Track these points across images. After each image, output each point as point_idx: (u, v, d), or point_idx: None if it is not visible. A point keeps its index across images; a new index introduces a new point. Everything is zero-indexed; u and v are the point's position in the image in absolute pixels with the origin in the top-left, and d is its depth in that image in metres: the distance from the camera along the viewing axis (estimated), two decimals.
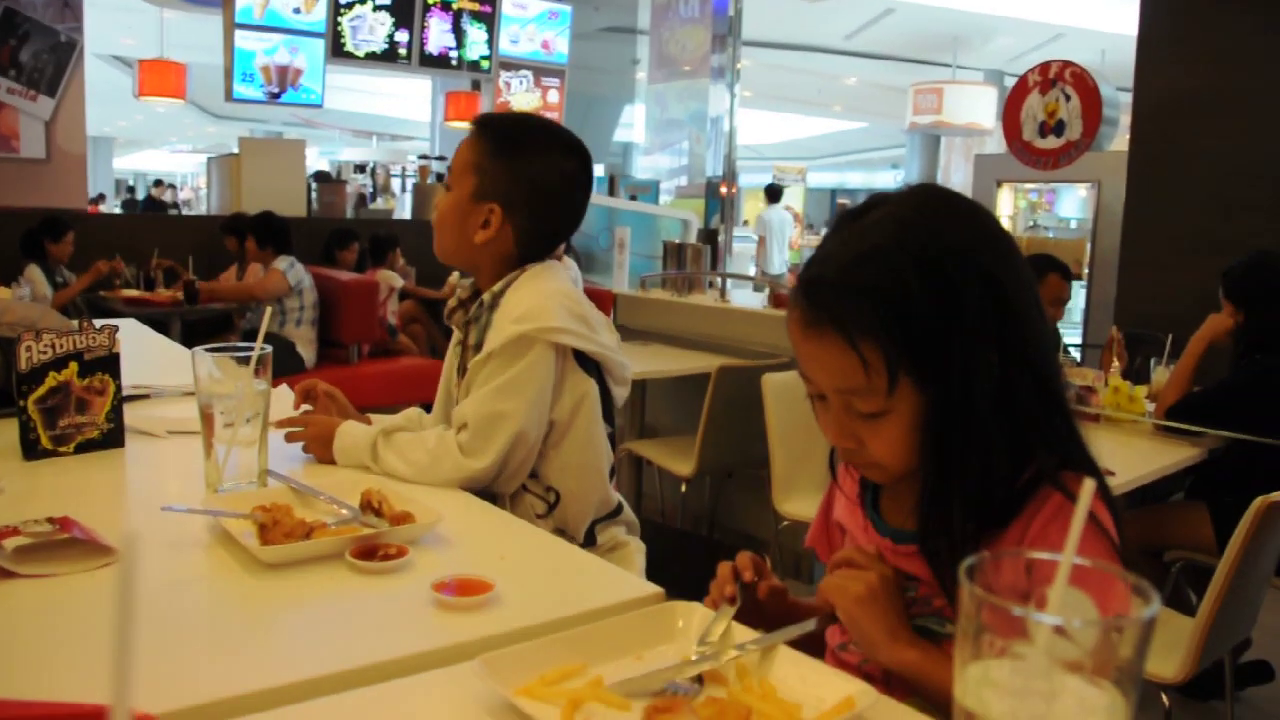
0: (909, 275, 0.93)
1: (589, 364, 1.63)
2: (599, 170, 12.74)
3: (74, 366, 1.52)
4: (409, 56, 8.13)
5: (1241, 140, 4.62)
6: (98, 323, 1.56)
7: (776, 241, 11.53)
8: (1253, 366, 2.81)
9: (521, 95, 9.06)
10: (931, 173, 16.36)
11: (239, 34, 7.43)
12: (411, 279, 6.78)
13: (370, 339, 5.79)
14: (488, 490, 1.57)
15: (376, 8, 7.88)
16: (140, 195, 21.96)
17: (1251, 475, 2.59)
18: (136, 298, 5.65)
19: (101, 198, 16.50)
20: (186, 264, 5.98)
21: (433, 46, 8.22)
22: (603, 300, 4.59)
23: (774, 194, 11.82)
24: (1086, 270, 6.93)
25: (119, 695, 0.42)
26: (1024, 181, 7.59)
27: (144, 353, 2.48)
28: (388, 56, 8.05)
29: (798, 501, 3.03)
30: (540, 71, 9.14)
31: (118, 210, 15.27)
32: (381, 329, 5.94)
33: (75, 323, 1.59)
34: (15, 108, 6.81)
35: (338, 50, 7.81)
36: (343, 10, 7.74)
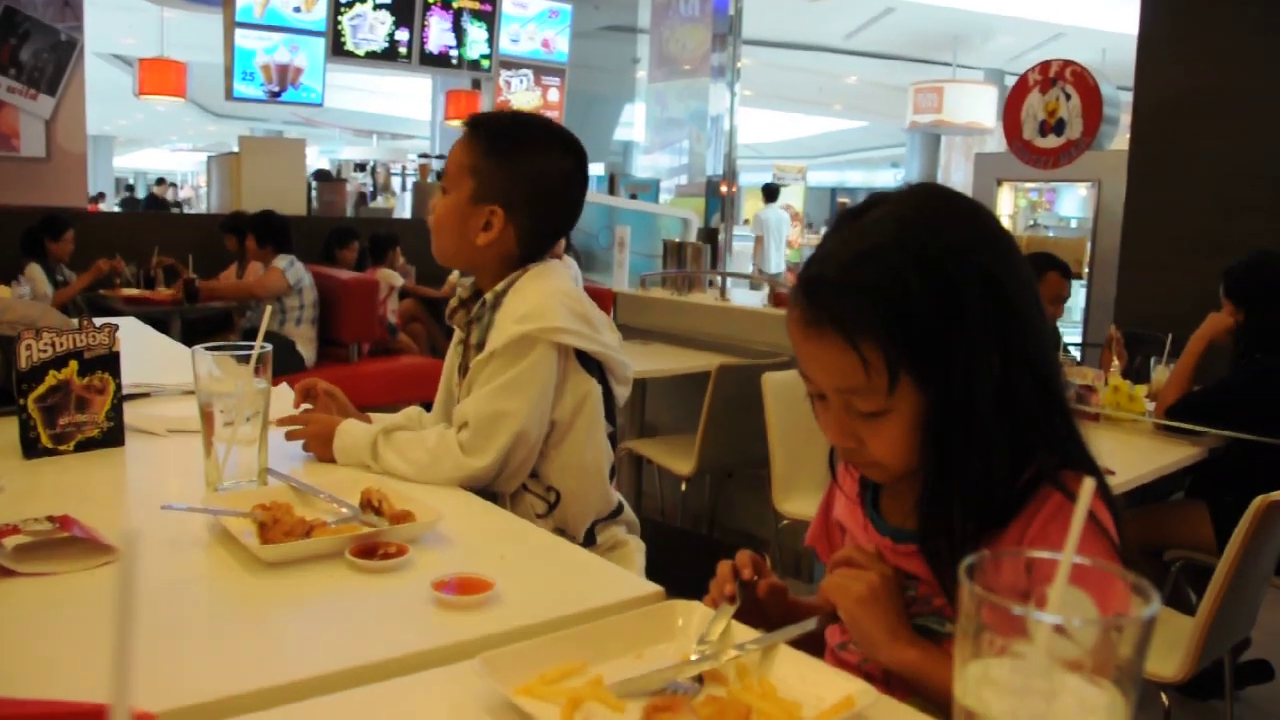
0: (909, 274, 0.93)
1: (591, 364, 1.63)
2: (599, 169, 12.76)
3: (74, 365, 1.52)
4: (409, 55, 8.13)
5: (1241, 140, 4.62)
6: (98, 321, 1.56)
7: (774, 241, 11.54)
8: (1253, 366, 2.82)
9: (522, 94, 9.06)
10: (932, 172, 16.36)
11: (239, 33, 7.43)
12: (411, 278, 6.78)
13: (370, 338, 5.79)
14: (488, 490, 1.57)
15: (377, 6, 7.88)
16: (140, 194, 21.97)
17: (1251, 474, 2.59)
18: (137, 296, 5.65)
19: (101, 196, 16.50)
20: (186, 263, 5.98)
21: (433, 45, 8.22)
22: (603, 299, 4.59)
23: (771, 193, 11.83)
24: (1086, 269, 6.93)
25: (119, 694, 0.42)
26: (1024, 180, 7.59)
27: (144, 351, 2.48)
28: (388, 55, 8.05)
29: (798, 500, 3.03)
30: (540, 70, 9.14)
31: (117, 209, 15.26)
32: (381, 328, 5.94)
33: (75, 321, 1.59)
34: (15, 106, 6.81)
35: (338, 49, 7.81)
36: (343, 9, 7.74)
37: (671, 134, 10.90)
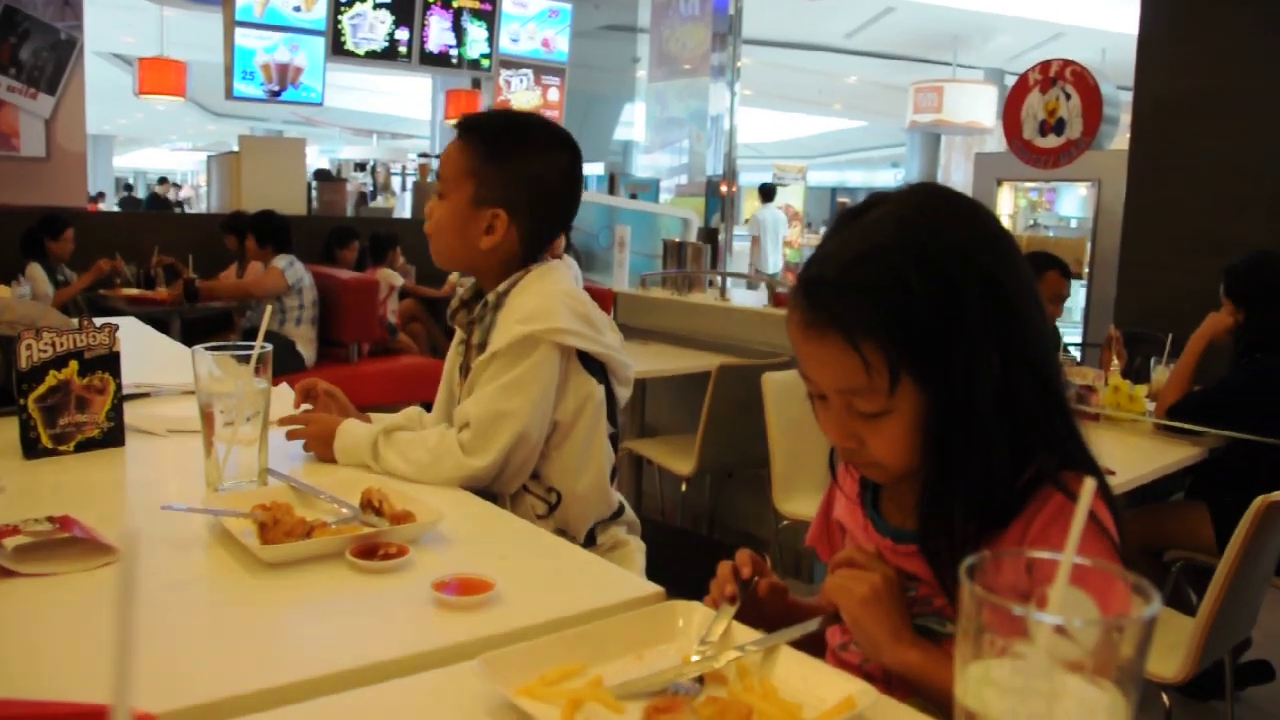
0: (909, 274, 0.93)
1: (593, 365, 1.63)
2: (599, 169, 12.76)
3: (74, 365, 1.52)
4: (409, 55, 8.13)
5: (1241, 140, 4.62)
6: (98, 321, 1.56)
7: (771, 240, 11.56)
8: (1253, 366, 2.81)
9: (522, 93, 9.06)
10: (932, 171, 16.36)
11: (239, 32, 7.43)
12: (412, 278, 6.78)
13: (370, 338, 5.79)
14: (488, 490, 1.57)
15: (377, 6, 7.87)
16: (140, 194, 21.98)
17: (1252, 475, 2.59)
18: (137, 296, 5.65)
19: (101, 196, 16.50)
20: (187, 262, 5.98)
21: (433, 45, 8.22)
22: (603, 299, 4.59)
23: (768, 193, 11.85)
24: (1087, 269, 6.93)
25: (119, 694, 0.42)
26: (1024, 180, 7.59)
27: (144, 351, 2.48)
28: (388, 55, 8.05)
29: (798, 501, 3.03)
30: (540, 70, 9.14)
31: (116, 209, 15.26)
32: (381, 328, 5.94)
33: (75, 321, 1.59)
34: (15, 106, 6.81)
35: (338, 48, 7.81)
36: (343, 8, 7.74)
37: (671, 134, 10.90)
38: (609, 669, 0.91)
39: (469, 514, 1.42)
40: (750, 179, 16.36)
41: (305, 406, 1.76)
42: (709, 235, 6.86)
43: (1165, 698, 2.21)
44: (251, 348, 1.39)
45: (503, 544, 1.31)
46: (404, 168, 10.79)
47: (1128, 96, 5.26)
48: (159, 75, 10.17)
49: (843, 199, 21.66)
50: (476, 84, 9.20)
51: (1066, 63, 5.64)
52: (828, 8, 11.59)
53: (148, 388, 1.97)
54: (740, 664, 0.92)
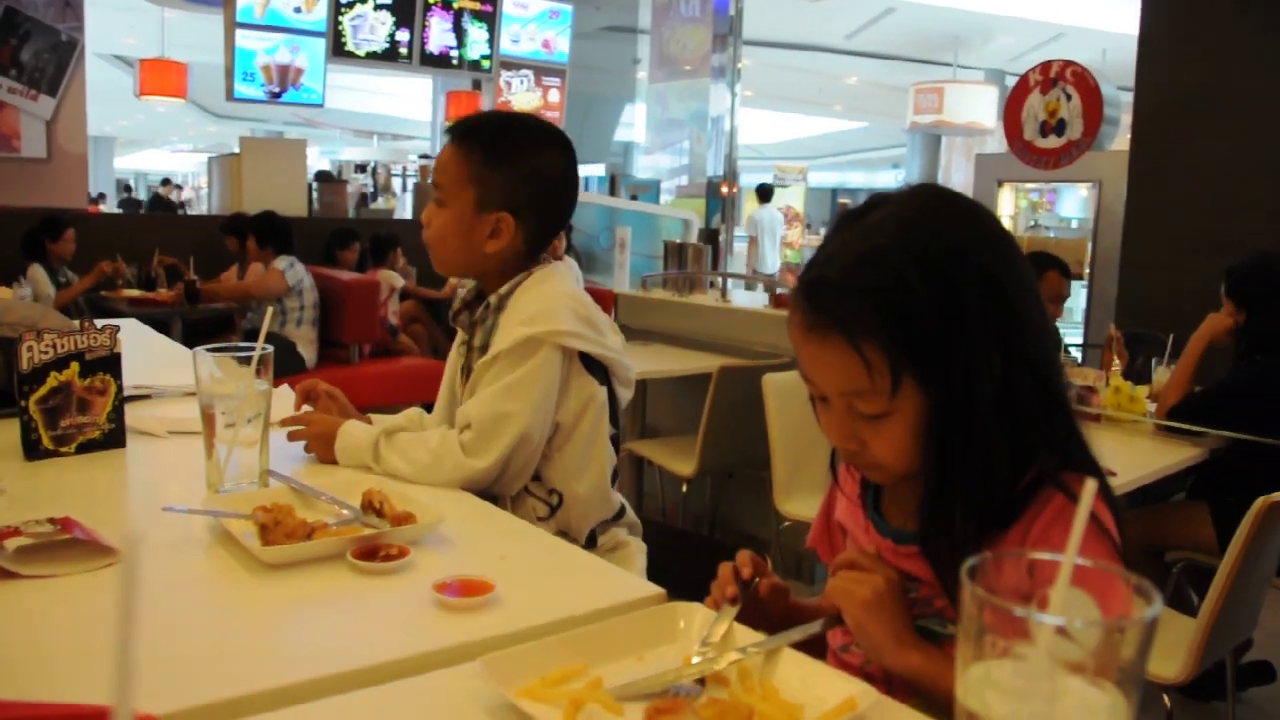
0: (910, 275, 0.93)
1: (595, 367, 1.63)
2: (600, 170, 12.76)
3: (75, 367, 1.52)
4: (410, 56, 8.14)
5: (1241, 140, 4.62)
6: (99, 323, 1.56)
7: (768, 241, 11.59)
8: (1254, 367, 2.81)
9: (522, 95, 9.06)
10: (932, 172, 16.35)
11: (240, 33, 7.43)
12: (412, 279, 6.78)
13: (371, 339, 5.79)
14: (489, 492, 1.56)
15: (377, 7, 7.88)
16: (140, 195, 21.99)
17: (1253, 475, 2.59)
18: (138, 297, 5.66)
19: (102, 197, 16.51)
20: (187, 264, 5.98)
21: (433, 46, 8.23)
22: (604, 300, 4.59)
23: (765, 194, 11.86)
24: (1087, 270, 6.93)
25: (120, 696, 0.42)
26: (1025, 181, 7.58)
27: (145, 353, 2.48)
28: (388, 56, 8.05)
29: (799, 502, 3.03)
30: (541, 71, 9.14)
31: (116, 210, 15.27)
32: (382, 329, 5.94)
33: (76, 323, 1.59)
34: (16, 107, 6.81)
35: (338, 49, 7.81)
36: (343, 9, 7.74)
37: (672, 135, 10.90)
38: (610, 670, 0.91)
39: (470, 515, 1.42)
40: (751, 180, 16.37)
41: (306, 408, 1.76)
42: (710, 236, 6.86)
43: (1166, 698, 2.21)
44: (252, 349, 1.39)
45: (503, 545, 1.31)
46: (404, 169, 10.80)
47: (1128, 97, 5.27)
48: (160, 76, 10.20)
49: (843, 200, 21.66)
50: (477, 85, 9.20)
51: (1067, 63, 5.64)
52: (828, 9, 11.59)
53: (149, 389, 1.97)
54: (741, 665, 0.92)
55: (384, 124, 20.21)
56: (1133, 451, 2.69)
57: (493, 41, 8.54)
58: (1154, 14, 5.04)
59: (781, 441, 3.03)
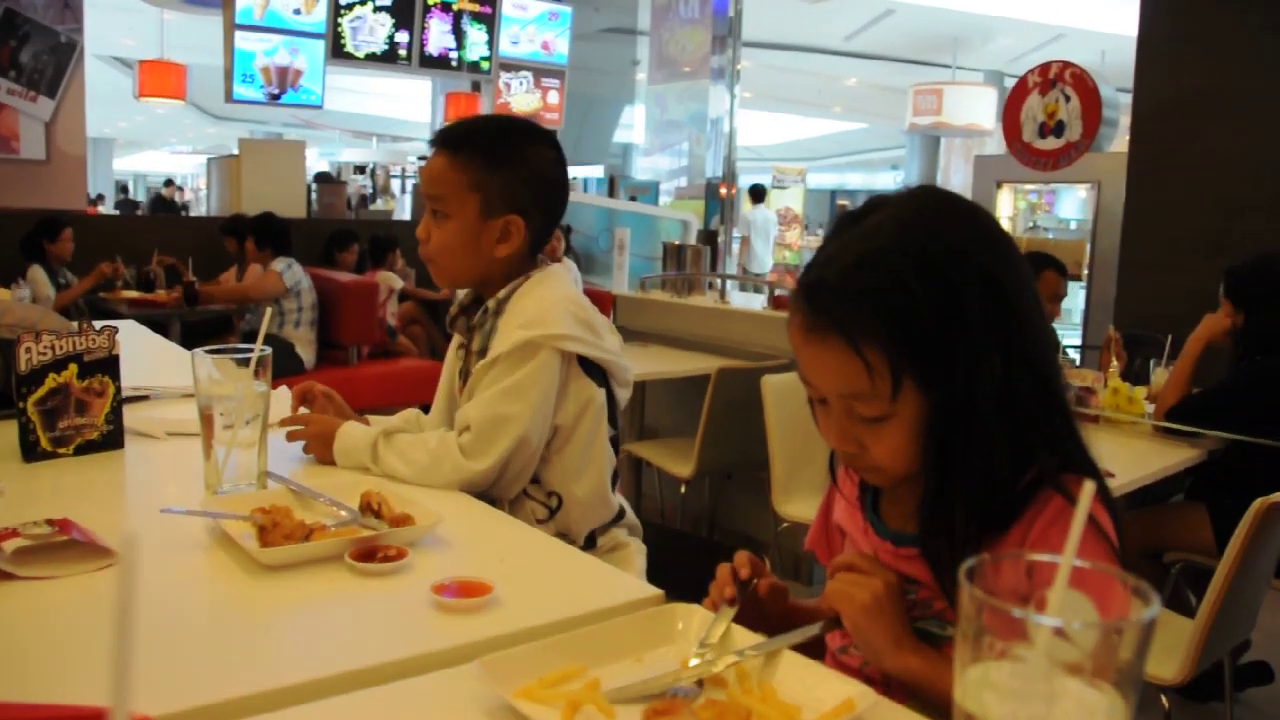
0: (910, 277, 0.93)
1: (593, 369, 1.63)
2: (599, 171, 12.77)
3: (74, 368, 1.52)
4: (409, 57, 8.13)
5: (1241, 141, 4.62)
6: (97, 324, 1.56)
7: (760, 241, 11.60)
8: (1253, 367, 2.81)
9: (521, 96, 9.06)
10: (931, 174, 16.36)
11: (239, 35, 7.43)
12: (411, 280, 6.78)
13: (370, 340, 5.79)
14: (488, 495, 1.56)
15: (377, 9, 7.88)
16: (136, 196, 21.99)
17: (1251, 476, 2.59)
18: (137, 299, 5.65)
19: (101, 199, 16.51)
20: (186, 265, 5.98)
21: (433, 47, 8.23)
22: (602, 301, 4.59)
23: (758, 194, 11.88)
24: (1086, 271, 6.93)
25: (118, 697, 0.42)
26: (1024, 182, 7.59)
27: (144, 354, 2.48)
28: (388, 57, 8.05)
29: (797, 503, 3.03)
30: (540, 72, 9.14)
31: (114, 212, 15.27)
32: (381, 330, 5.94)
33: (75, 324, 1.59)
34: (15, 109, 6.81)
35: (338, 51, 7.81)
36: (343, 11, 7.74)
37: (671, 136, 10.90)
38: (608, 672, 0.91)
39: (468, 517, 1.42)
40: (750, 181, 16.40)
41: (302, 409, 1.76)
42: (708, 238, 6.87)
43: (1164, 699, 2.21)
44: (251, 350, 1.39)
45: (502, 546, 1.31)
46: (404, 170, 10.81)
47: (1127, 98, 5.27)
48: (159, 78, 10.20)
49: (842, 201, 21.67)
50: (476, 87, 9.20)
51: (1066, 65, 5.64)
52: (827, 10, 11.60)
53: (147, 390, 1.97)
54: (739, 666, 0.92)
55: (383, 125, 20.21)
56: (1131, 453, 2.70)
57: (492, 43, 8.54)
58: (1153, 15, 5.05)
59: (780, 443, 3.03)
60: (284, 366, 4.88)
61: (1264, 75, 4.57)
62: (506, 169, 1.61)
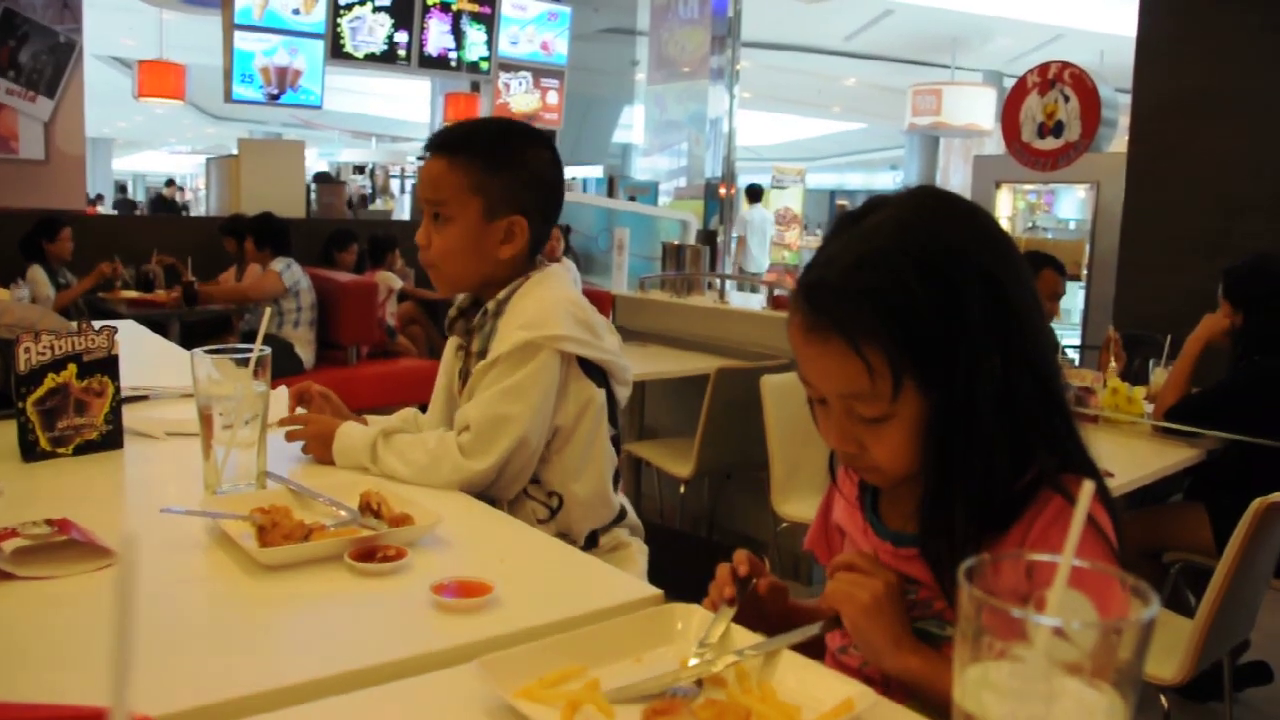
0: (910, 277, 0.94)
1: (593, 370, 1.63)
2: (599, 171, 12.77)
3: (73, 368, 1.52)
4: (408, 58, 8.13)
5: (1240, 140, 4.63)
6: (96, 324, 1.56)
7: (757, 241, 11.63)
8: (1251, 367, 2.82)
9: (521, 96, 9.06)
10: (930, 174, 16.36)
11: (238, 35, 7.43)
12: (410, 280, 6.78)
13: (369, 340, 5.78)
14: (487, 495, 1.56)
15: (376, 9, 7.88)
16: (134, 196, 21.97)
17: (1250, 476, 2.59)
18: (136, 299, 5.65)
19: (100, 198, 16.50)
20: (185, 265, 5.98)
21: (432, 48, 8.22)
22: (601, 302, 4.59)
23: (754, 194, 11.89)
24: (1085, 271, 6.93)
25: (118, 697, 0.42)
26: (1023, 183, 7.59)
27: (143, 354, 2.48)
28: (387, 58, 8.05)
29: (796, 503, 3.03)
30: (539, 73, 9.14)
31: (112, 212, 15.26)
32: (380, 330, 5.94)
33: (74, 324, 1.59)
34: (14, 109, 6.81)
35: (337, 51, 7.81)
36: (342, 11, 7.74)
37: (670, 136, 10.91)
38: (607, 671, 0.91)
39: (468, 517, 1.42)
40: (749, 181, 16.40)
41: (299, 410, 1.76)
42: (708, 238, 6.87)
43: (1164, 699, 2.21)
44: (250, 350, 1.39)
45: (501, 547, 1.31)
46: (403, 170, 10.81)
47: (1126, 99, 5.27)
48: (158, 78, 10.19)
49: (841, 201, 21.68)
50: (475, 87, 9.20)
51: (1065, 65, 5.64)
52: (826, 10, 11.60)
53: (146, 390, 1.97)
54: (739, 666, 0.92)
55: (382, 125, 20.20)
56: (1130, 453, 2.70)
57: (491, 43, 8.54)
58: (1152, 16, 5.05)
59: (779, 443, 3.03)
60: (283, 366, 4.87)
61: (1264, 75, 4.57)
62: (507, 171, 1.61)
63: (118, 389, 1.58)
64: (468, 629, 1.02)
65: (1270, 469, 2.59)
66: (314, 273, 5.61)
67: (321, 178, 9.52)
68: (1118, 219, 5.31)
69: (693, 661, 0.94)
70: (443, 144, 1.63)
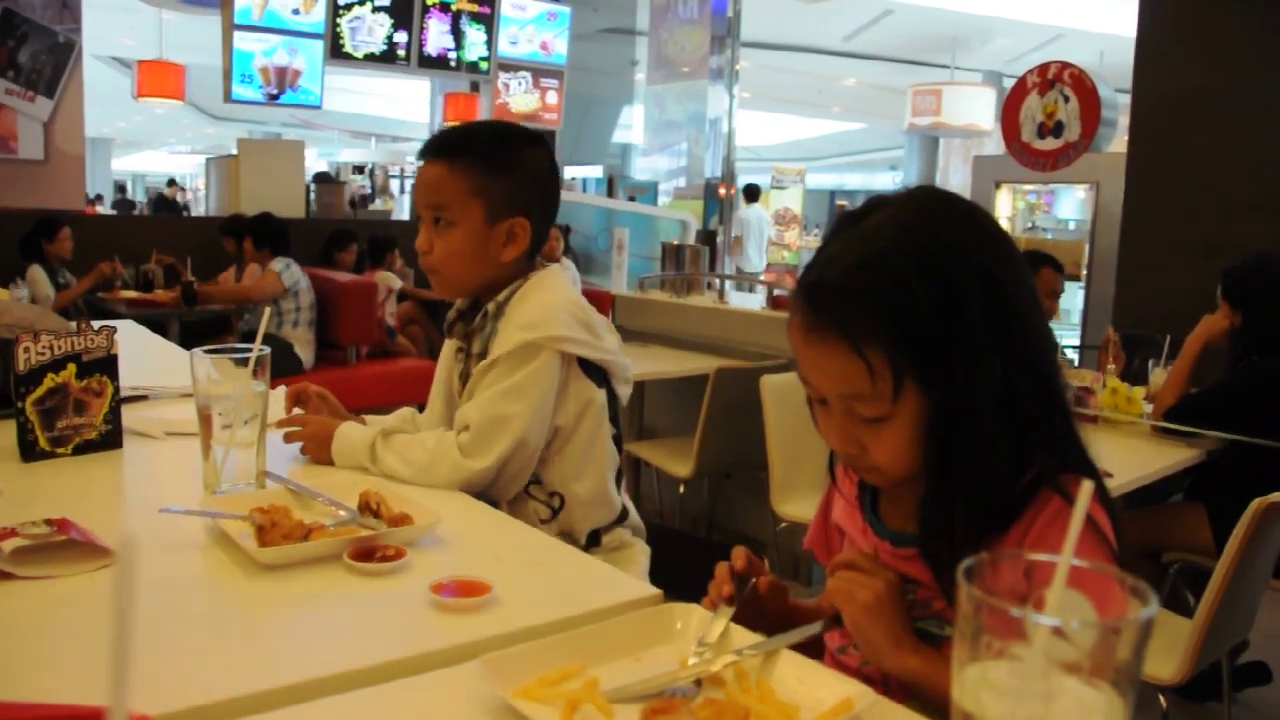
0: (911, 277, 0.94)
1: (593, 370, 1.63)
2: (598, 172, 12.77)
3: (72, 368, 1.52)
4: (408, 58, 8.13)
5: (1240, 141, 4.63)
6: (96, 324, 1.56)
7: (753, 240, 11.64)
8: (1251, 368, 2.82)
9: (520, 96, 9.05)
10: (930, 174, 16.36)
11: (238, 35, 7.42)
12: (410, 280, 6.78)
13: (369, 340, 5.78)
14: (487, 495, 1.56)
15: (375, 9, 7.87)
16: (134, 196, 21.95)
17: (1249, 476, 2.59)
18: (136, 299, 5.65)
19: (99, 199, 16.50)
20: (185, 265, 5.98)
21: (431, 48, 8.22)
22: (601, 302, 4.59)
23: (751, 194, 11.90)
24: (1085, 271, 6.93)
25: (117, 697, 0.42)
26: (1022, 183, 7.59)
27: (142, 354, 2.48)
28: (386, 58, 8.04)
29: (796, 503, 3.03)
30: (539, 73, 9.14)
31: (111, 212, 15.26)
32: (380, 330, 5.94)
33: (73, 324, 1.59)
34: (13, 109, 6.80)
35: (336, 51, 7.80)
36: (341, 11, 7.73)
37: (670, 136, 10.91)
38: (607, 671, 0.91)
39: (467, 516, 1.42)
40: (748, 181, 16.40)
41: (296, 410, 1.76)
42: (707, 238, 6.87)
43: (1162, 699, 2.21)
44: (249, 350, 1.39)
45: (500, 546, 1.31)
46: (402, 170, 10.81)
47: (1126, 99, 5.27)
48: (157, 78, 10.18)
49: (841, 201, 21.68)
50: (475, 87, 9.20)
51: (1065, 65, 5.64)
52: (826, 10, 11.60)
53: (146, 390, 1.97)
54: (738, 666, 0.92)
55: (382, 125, 20.20)
56: (1130, 453, 2.70)
57: (491, 43, 8.54)
58: (1152, 16, 5.05)
59: (778, 443, 3.04)
60: (282, 366, 4.88)
61: (1263, 75, 4.57)
62: (508, 172, 1.62)
63: (117, 389, 1.58)
64: (467, 628, 1.02)
65: (1269, 469, 2.59)
66: (313, 273, 5.61)
67: (321, 178, 9.52)
68: (1117, 219, 5.31)
69: (692, 661, 0.94)
70: (441, 148, 1.63)
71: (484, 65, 8.57)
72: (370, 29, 7.89)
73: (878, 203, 1.02)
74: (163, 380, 2.04)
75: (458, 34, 8.33)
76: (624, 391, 1.72)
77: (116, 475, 1.53)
